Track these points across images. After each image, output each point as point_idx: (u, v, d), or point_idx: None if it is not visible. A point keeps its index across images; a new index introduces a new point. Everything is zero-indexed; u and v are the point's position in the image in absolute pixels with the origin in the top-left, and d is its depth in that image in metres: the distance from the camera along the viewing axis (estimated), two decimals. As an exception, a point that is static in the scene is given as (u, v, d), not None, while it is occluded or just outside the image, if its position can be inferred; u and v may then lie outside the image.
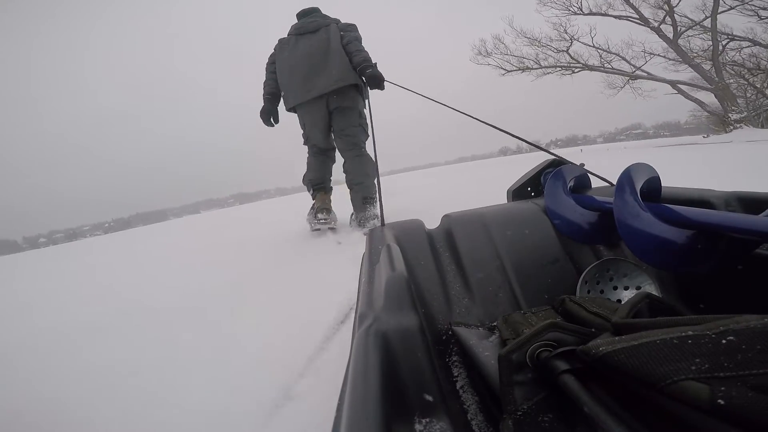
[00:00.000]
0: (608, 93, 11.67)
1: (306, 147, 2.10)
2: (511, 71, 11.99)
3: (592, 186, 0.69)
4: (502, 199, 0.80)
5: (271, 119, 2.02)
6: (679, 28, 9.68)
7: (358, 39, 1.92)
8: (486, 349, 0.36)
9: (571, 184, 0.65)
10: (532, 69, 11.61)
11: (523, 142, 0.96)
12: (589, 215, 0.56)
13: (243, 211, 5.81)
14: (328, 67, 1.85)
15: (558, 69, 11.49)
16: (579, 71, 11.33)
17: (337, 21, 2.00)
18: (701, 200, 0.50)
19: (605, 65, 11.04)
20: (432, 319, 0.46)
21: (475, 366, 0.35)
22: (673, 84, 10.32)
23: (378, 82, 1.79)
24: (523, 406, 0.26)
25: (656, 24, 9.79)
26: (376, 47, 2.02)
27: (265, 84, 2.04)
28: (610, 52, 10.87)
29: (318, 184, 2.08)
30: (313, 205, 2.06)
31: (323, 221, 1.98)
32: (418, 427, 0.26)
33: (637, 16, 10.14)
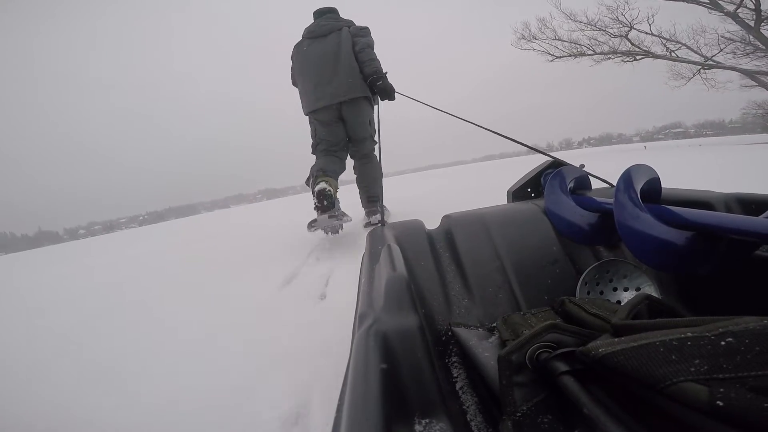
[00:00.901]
0: (673, 84, 10.24)
1: (314, 156, 2.00)
2: (561, 57, 10.71)
3: (592, 187, 0.69)
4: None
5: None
6: (763, 14, 8.05)
7: (371, 45, 1.90)
8: (486, 349, 0.36)
9: (571, 185, 0.65)
10: (586, 55, 10.33)
11: (525, 146, 0.96)
12: (589, 216, 0.56)
13: (270, 208, 6.00)
14: (337, 77, 1.84)
15: (618, 55, 10.07)
16: (641, 59, 9.95)
17: (350, 24, 1.97)
18: (701, 202, 0.50)
19: (671, 53, 9.64)
20: (432, 319, 0.46)
21: (475, 367, 0.35)
22: (753, 74, 8.93)
23: (388, 94, 1.83)
24: (523, 407, 0.26)
25: (732, 8, 8.22)
26: (384, 49, 2.02)
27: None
28: (676, 41, 9.41)
29: (322, 172, 1.80)
30: (313, 190, 1.71)
31: (330, 215, 1.67)
32: (417, 427, 0.26)
33: (708, 0, 8.65)
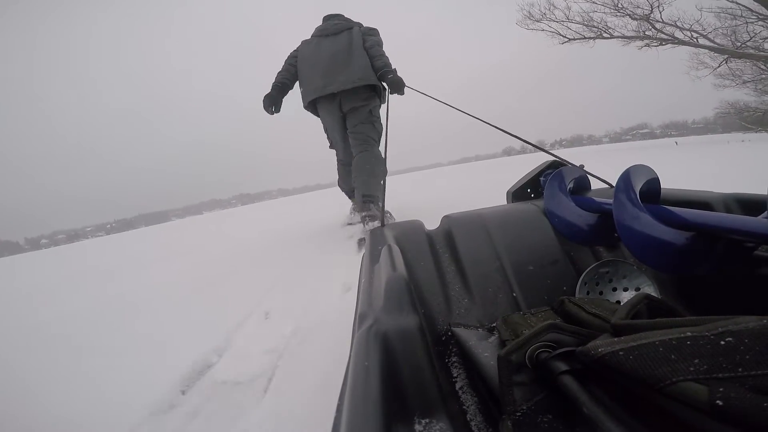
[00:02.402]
0: (695, 74, 9.61)
1: (333, 151, 2.20)
2: (574, 39, 9.81)
3: (592, 187, 0.69)
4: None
5: (273, 108, 1.97)
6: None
7: (380, 44, 1.97)
8: (485, 349, 0.36)
9: (571, 185, 0.65)
10: (602, 38, 9.34)
11: (528, 143, 0.96)
12: (589, 216, 0.56)
13: (247, 212, 5.72)
14: (350, 66, 1.88)
15: (642, 39, 9.14)
16: (667, 44, 9.08)
17: (359, 25, 2.06)
18: (700, 202, 0.50)
19: (696, 39, 8.74)
20: (432, 319, 0.46)
21: (475, 367, 0.35)
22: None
23: (398, 87, 1.85)
24: (523, 406, 0.26)
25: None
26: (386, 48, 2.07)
27: (279, 73, 2.02)
28: (695, 32, 8.54)
29: (351, 191, 2.22)
30: (352, 207, 2.30)
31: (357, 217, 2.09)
32: (417, 427, 0.26)
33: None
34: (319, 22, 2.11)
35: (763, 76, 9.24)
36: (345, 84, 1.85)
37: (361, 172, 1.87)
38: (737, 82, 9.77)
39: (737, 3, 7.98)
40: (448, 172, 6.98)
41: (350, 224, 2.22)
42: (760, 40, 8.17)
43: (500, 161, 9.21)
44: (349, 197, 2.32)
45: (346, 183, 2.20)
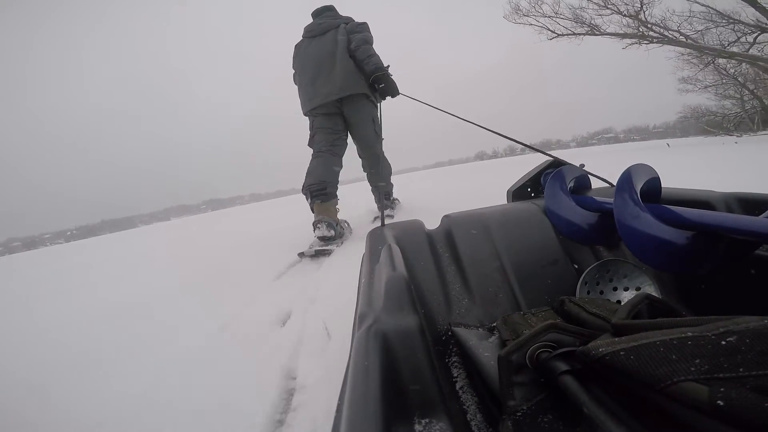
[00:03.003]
0: (681, 74, 9.66)
1: (311, 150, 1.94)
2: (562, 35, 9.56)
3: (592, 187, 0.69)
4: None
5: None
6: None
7: (368, 41, 1.83)
8: (486, 349, 0.36)
9: (571, 184, 0.65)
10: (593, 35, 9.16)
11: (505, 146, 0.96)
12: (589, 216, 0.56)
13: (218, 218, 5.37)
14: (333, 75, 1.80)
15: (633, 38, 8.86)
16: (654, 43, 8.74)
17: (348, 20, 1.94)
18: (701, 201, 0.50)
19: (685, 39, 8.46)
20: (432, 319, 0.46)
21: (475, 366, 0.35)
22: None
23: (391, 91, 1.78)
24: (523, 406, 0.26)
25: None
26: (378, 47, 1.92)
27: None
28: (681, 33, 8.24)
29: (317, 189, 1.70)
30: (315, 222, 1.67)
31: (321, 243, 1.63)
32: (417, 427, 0.26)
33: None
34: (305, 18, 2.03)
35: (724, 81, 9.69)
36: (328, 96, 1.78)
37: (378, 180, 2.05)
38: (699, 86, 10.27)
39: (708, 6, 8.10)
40: (425, 176, 6.98)
41: (314, 249, 1.61)
42: (747, 44, 8.23)
43: (474, 165, 9.39)
44: (312, 198, 1.73)
45: (316, 175, 1.74)
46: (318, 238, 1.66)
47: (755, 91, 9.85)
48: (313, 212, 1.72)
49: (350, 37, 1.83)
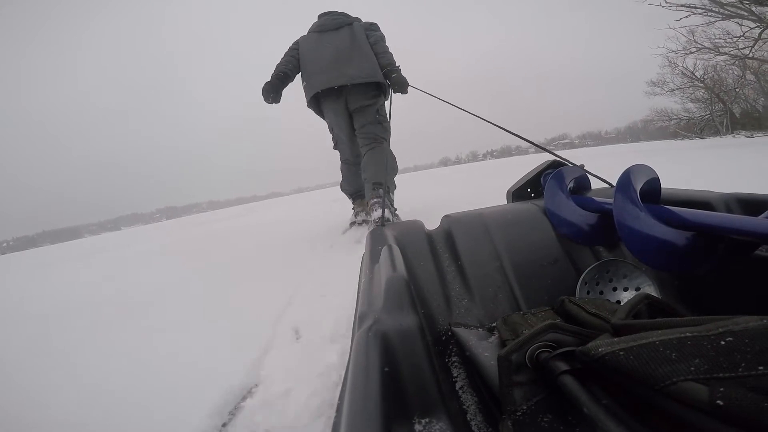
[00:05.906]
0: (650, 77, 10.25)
1: (337, 152, 2.14)
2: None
3: (592, 187, 0.69)
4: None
5: (271, 96, 1.86)
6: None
7: (383, 39, 1.96)
8: (485, 349, 0.36)
9: (571, 185, 0.65)
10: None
11: (532, 143, 0.96)
12: (589, 216, 0.56)
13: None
14: (358, 60, 1.84)
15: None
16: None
17: (358, 20, 2.03)
18: (701, 202, 0.50)
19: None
20: (432, 319, 0.46)
21: (475, 366, 0.35)
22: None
23: (402, 87, 1.83)
24: (523, 406, 0.26)
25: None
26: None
27: (279, 64, 1.94)
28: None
29: (355, 193, 2.26)
30: (353, 208, 2.32)
31: (362, 216, 2.21)
32: (417, 427, 0.26)
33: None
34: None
35: (690, 85, 10.13)
36: (355, 78, 1.80)
37: (373, 164, 1.82)
38: (666, 90, 10.76)
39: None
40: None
41: (354, 223, 2.20)
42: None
43: (440, 171, 9.44)
44: (353, 199, 2.27)
45: (351, 184, 2.18)
46: (359, 214, 2.19)
47: (721, 95, 10.21)
48: (353, 206, 2.30)
49: (367, 33, 1.94)
